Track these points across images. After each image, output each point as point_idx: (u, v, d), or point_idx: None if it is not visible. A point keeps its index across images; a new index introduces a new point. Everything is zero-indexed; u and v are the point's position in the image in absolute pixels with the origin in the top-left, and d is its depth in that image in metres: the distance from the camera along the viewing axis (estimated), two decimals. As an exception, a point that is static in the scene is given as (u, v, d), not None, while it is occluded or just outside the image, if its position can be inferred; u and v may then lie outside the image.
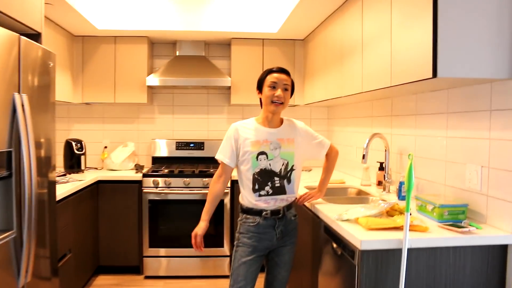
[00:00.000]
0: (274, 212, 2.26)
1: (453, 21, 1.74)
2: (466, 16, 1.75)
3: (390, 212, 2.15)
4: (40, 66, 2.31)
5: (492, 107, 1.94)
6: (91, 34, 4.06)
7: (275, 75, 2.25)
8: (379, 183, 3.10)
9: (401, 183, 2.64)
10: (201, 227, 2.32)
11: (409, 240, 1.73)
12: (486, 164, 1.98)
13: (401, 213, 2.14)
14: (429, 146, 2.51)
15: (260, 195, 2.25)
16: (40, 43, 2.48)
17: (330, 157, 2.49)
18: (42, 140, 2.33)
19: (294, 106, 4.53)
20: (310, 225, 2.62)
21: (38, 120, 2.26)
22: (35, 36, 2.48)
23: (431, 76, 1.75)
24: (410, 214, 1.75)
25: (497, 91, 1.91)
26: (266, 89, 2.26)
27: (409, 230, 1.76)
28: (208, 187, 2.40)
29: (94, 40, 4.13)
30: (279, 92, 2.23)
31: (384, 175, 2.94)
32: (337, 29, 3.22)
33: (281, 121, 2.36)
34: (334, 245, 2.14)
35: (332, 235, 2.18)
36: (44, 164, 2.36)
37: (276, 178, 2.25)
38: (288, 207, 2.32)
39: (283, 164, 2.26)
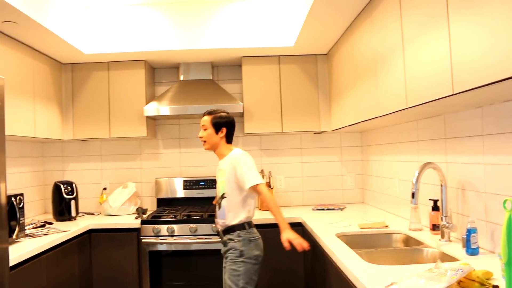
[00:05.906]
0: (217, 234, 2.65)
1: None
2: None
3: (465, 284, 1.43)
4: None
5: None
6: (80, 60, 3.55)
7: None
8: (434, 227, 2.36)
9: (469, 231, 1.89)
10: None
11: None
12: None
13: (482, 284, 1.41)
14: (508, 179, 1.78)
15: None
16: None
17: (261, 199, 2.61)
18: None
19: (321, 133, 3.84)
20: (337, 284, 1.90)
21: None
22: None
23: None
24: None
25: None
26: None
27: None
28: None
29: (84, 67, 3.61)
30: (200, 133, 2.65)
31: (441, 218, 2.20)
32: (366, 35, 2.56)
33: (225, 155, 2.58)
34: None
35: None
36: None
37: (217, 204, 2.59)
38: (225, 231, 2.51)
39: (218, 192, 2.58)
